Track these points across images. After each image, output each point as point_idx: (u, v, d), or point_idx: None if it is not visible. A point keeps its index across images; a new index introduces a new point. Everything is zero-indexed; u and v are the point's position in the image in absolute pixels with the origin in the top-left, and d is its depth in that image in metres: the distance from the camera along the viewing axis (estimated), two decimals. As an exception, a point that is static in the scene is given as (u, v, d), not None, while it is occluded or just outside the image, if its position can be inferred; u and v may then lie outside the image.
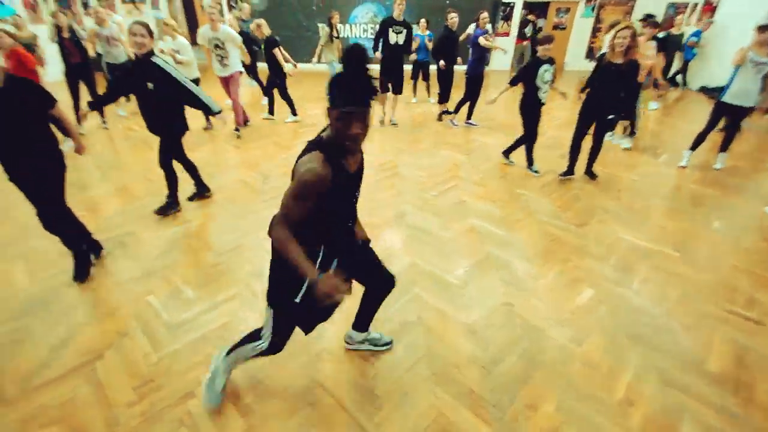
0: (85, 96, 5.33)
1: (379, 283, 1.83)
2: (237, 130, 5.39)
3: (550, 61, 3.90)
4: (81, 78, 5.41)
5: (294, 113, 6.07)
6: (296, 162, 1.33)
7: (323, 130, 1.39)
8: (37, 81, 4.07)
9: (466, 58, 5.54)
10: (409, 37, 5.17)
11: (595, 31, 10.60)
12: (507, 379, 1.97)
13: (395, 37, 5.08)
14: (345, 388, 1.92)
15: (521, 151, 4.42)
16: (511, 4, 10.20)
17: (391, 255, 2.89)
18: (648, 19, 4.66)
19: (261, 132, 5.66)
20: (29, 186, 2.39)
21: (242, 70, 5.35)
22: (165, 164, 3.33)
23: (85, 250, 2.69)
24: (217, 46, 4.88)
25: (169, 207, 3.44)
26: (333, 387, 1.92)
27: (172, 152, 3.34)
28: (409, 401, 1.85)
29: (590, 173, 4.20)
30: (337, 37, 6.88)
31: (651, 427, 1.76)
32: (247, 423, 1.76)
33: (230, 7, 10.07)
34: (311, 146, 1.34)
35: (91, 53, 5.60)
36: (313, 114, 6.60)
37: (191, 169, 3.57)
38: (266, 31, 5.61)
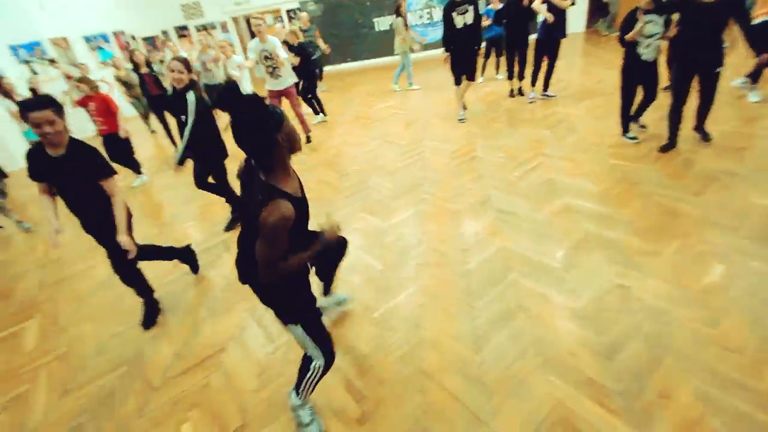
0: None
1: (337, 250, 2.06)
2: (308, 140, 5.48)
3: (658, 10, 3.30)
4: (164, 107, 6.05)
5: (316, 113, 6.37)
6: (259, 213, 1.34)
7: (266, 177, 1.40)
8: (117, 122, 4.60)
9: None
10: (477, 13, 4.64)
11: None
12: (631, 365, 1.79)
13: (461, 20, 4.63)
14: (451, 376, 1.89)
15: (650, 113, 3.92)
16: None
17: (479, 241, 2.80)
18: None
19: (330, 134, 5.85)
20: (101, 239, 2.43)
21: (297, 81, 5.24)
22: (201, 186, 3.43)
23: (155, 299, 2.75)
24: (266, 57, 4.81)
25: (234, 221, 3.63)
26: (438, 375, 1.91)
27: (207, 176, 3.40)
28: (523, 390, 1.77)
29: (702, 133, 3.63)
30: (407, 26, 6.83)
31: (827, 421, 1.49)
32: (361, 408, 1.83)
33: (290, 18, 10.54)
34: (268, 196, 1.35)
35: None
36: (380, 108, 6.65)
37: (231, 196, 3.55)
38: (301, 37, 5.85)
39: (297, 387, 1.73)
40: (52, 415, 2.14)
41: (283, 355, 2.20)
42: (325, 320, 2.13)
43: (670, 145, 3.58)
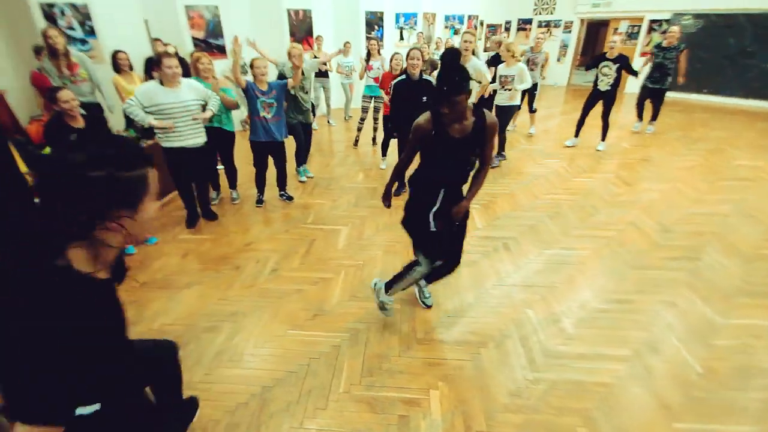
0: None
1: (450, 258, 2.32)
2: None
3: None
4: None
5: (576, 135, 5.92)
6: None
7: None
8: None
9: None
10: None
11: None
12: None
13: None
14: None
15: None
16: None
17: None
18: None
19: (654, 172, 4.87)
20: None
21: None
22: None
23: None
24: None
25: None
26: None
27: None
28: None
29: None
30: None
31: None
32: None
33: (651, 30, 9.18)
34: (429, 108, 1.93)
35: None
36: (741, 164, 5.06)
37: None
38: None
39: (390, 283, 2.30)
40: (340, 308, 2.62)
41: (543, 393, 1.98)
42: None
43: None
